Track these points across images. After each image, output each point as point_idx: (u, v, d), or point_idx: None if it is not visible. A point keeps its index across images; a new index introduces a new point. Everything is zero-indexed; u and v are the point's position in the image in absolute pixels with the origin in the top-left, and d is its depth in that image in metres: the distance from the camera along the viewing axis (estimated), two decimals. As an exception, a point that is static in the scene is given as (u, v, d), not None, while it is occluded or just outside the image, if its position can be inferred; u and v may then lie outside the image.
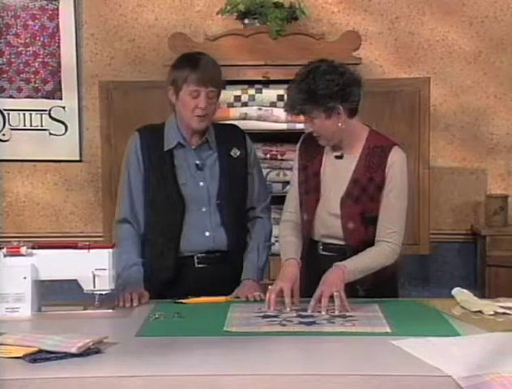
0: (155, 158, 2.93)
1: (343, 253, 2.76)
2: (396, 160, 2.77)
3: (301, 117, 2.79)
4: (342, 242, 2.81)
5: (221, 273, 2.91)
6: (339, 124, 2.72)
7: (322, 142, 2.80)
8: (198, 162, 2.94)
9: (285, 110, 2.81)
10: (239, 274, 2.95)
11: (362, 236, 2.78)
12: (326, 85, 2.66)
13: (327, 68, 2.70)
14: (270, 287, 2.67)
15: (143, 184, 2.93)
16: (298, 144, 2.95)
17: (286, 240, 2.87)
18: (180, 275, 2.91)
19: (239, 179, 2.99)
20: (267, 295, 2.64)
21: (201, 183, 2.93)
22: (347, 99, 2.70)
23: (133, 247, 2.92)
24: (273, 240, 3.13)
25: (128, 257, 2.87)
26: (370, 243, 2.77)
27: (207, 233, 2.92)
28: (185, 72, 2.84)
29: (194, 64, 2.85)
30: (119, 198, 3.00)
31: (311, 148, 2.88)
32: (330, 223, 2.81)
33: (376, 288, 2.75)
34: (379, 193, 2.77)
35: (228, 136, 3.01)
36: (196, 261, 2.93)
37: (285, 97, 2.82)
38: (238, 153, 2.98)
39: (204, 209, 2.92)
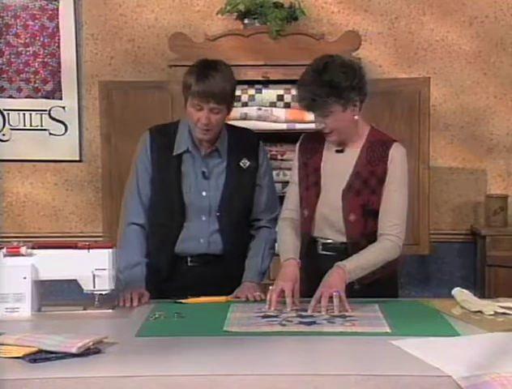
0: (163, 161, 2.90)
1: (343, 252, 2.76)
2: (397, 153, 2.79)
3: (306, 117, 2.76)
4: (342, 239, 2.80)
5: (213, 272, 2.89)
6: (355, 116, 2.74)
7: (333, 138, 2.77)
8: (204, 170, 2.90)
9: (303, 106, 2.74)
10: (231, 274, 2.91)
11: (363, 229, 2.78)
12: (346, 77, 2.68)
13: (342, 61, 2.73)
14: (271, 287, 2.66)
15: (150, 184, 2.92)
16: (298, 143, 2.95)
17: (285, 239, 2.86)
18: (174, 272, 2.91)
19: (244, 191, 2.94)
20: (268, 295, 2.64)
21: (204, 192, 2.90)
22: (362, 91, 2.73)
23: (138, 246, 2.91)
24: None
25: (131, 256, 2.87)
26: (371, 237, 2.77)
27: (202, 240, 2.91)
28: (190, 80, 2.76)
29: (201, 75, 2.76)
30: (128, 199, 2.96)
31: (311, 146, 2.89)
32: (331, 217, 2.80)
33: (373, 284, 2.74)
34: (380, 186, 2.78)
35: (240, 145, 2.93)
36: (189, 260, 2.93)
37: (297, 93, 2.76)
38: (248, 164, 2.93)
39: (204, 218, 2.91)
